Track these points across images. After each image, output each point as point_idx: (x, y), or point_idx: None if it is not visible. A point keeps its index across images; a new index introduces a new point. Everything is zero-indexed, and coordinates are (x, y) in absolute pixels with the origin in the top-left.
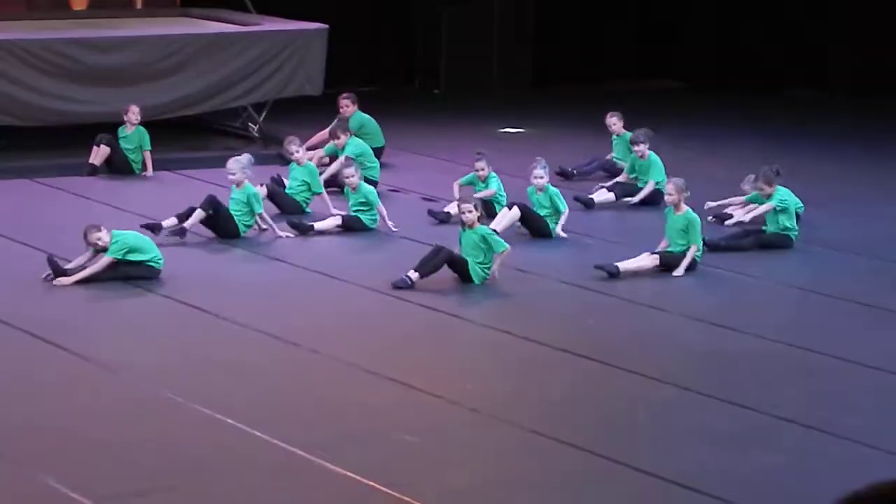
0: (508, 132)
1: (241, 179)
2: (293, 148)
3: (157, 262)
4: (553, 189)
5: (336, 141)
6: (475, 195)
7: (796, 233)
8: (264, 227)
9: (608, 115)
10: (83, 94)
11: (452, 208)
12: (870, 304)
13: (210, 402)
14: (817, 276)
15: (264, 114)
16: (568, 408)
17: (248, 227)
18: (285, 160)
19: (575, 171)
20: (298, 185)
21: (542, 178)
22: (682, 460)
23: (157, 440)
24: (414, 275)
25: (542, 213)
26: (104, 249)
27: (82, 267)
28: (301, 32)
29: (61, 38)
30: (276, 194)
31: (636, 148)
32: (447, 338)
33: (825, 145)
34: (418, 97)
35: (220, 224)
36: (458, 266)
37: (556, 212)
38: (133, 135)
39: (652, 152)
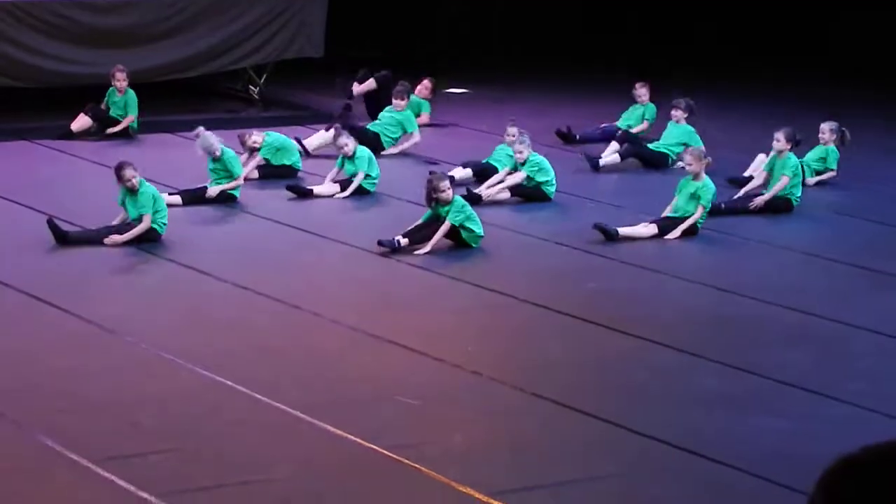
0: (454, 92)
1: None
2: (252, 140)
3: (162, 226)
4: (537, 159)
5: (398, 102)
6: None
7: (798, 198)
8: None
9: (637, 85)
10: (82, 55)
11: (457, 173)
12: (871, 267)
13: (210, 363)
14: (819, 240)
15: (265, 76)
16: (568, 370)
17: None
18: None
19: (577, 136)
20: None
21: (521, 153)
22: (682, 423)
23: (157, 401)
24: (403, 240)
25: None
26: (132, 190)
27: (114, 228)
28: None
29: (61, 0)
30: (268, 174)
31: (675, 113)
32: (448, 301)
33: (833, 112)
34: (420, 61)
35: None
36: (451, 234)
37: (545, 176)
38: (121, 99)
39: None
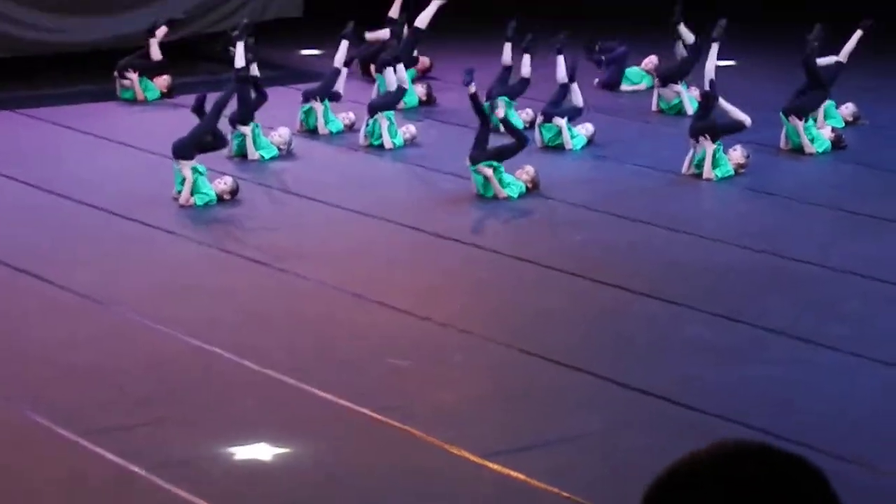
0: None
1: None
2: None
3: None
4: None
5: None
6: None
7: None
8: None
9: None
10: (59, 23)
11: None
12: (854, 211)
13: (195, 329)
14: (801, 185)
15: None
16: (556, 325)
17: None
18: None
19: (603, 58)
20: None
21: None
22: (671, 375)
23: (143, 369)
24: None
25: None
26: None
27: None
28: None
29: None
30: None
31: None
32: (434, 258)
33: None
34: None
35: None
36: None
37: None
38: None
39: None
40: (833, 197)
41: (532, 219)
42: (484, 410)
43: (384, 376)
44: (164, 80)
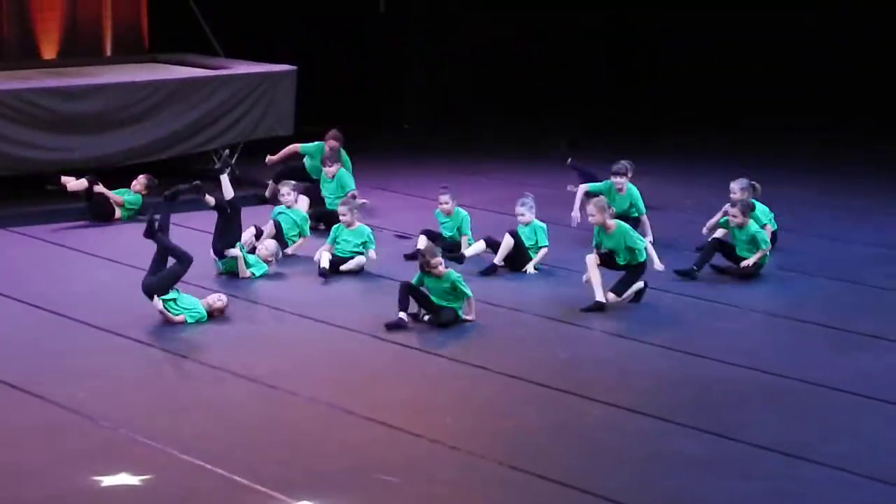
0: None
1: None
2: (285, 191)
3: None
4: (539, 224)
5: (327, 169)
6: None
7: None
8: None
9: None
10: (54, 141)
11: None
12: (840, 327)
13: (186, 447)
14: (787, 301)
15: (236, 156)
16: (545, 441)
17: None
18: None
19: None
20: (290, 228)
21: (523, 215)
22: (661, 491)
23: (135, 488)
24: (405, 315)
25: (528, 244)
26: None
27: None
28: (269, 74)
29: (31, 88)
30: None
31: (617, 179)
32: (424, 375)
33: (795, 169)
34: (386, 133)
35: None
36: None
37: (536, 247)
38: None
39: (630, 184)
40: (817, 313)
41: (519, 336)
42: None
43: (375, 493)
44: (139, 182)
